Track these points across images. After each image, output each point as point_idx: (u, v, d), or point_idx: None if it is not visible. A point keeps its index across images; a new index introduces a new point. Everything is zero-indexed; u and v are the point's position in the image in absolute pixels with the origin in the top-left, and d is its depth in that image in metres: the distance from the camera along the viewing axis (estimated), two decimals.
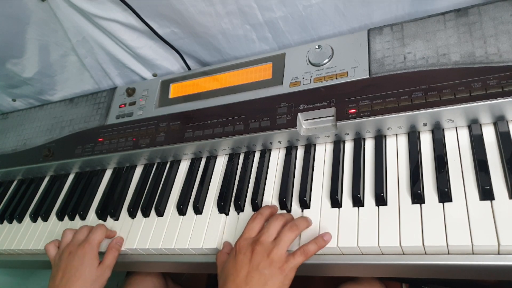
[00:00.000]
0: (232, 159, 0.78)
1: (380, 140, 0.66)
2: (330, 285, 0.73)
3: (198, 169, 0.80)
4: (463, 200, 0.54)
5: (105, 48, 0.94)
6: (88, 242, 0.70)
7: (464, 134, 0.61)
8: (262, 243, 0.57)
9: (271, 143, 0.74)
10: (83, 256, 0.68)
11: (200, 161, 0.82)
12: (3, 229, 0.93)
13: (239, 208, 0.70)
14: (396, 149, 0.65)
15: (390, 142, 0.66)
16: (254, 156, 0.77)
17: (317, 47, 0.74)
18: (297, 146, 0.73)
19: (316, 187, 0.66)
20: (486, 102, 0.56)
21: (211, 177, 0.78)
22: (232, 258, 0.59)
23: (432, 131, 0.63)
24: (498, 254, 0.50)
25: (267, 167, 0.73)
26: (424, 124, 0.63)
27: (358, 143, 0.67)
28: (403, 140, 0.65)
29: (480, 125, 0.61)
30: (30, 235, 0.87)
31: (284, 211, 0.66)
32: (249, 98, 0.76)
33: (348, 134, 0.68)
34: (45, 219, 0.89)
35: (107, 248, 0.72)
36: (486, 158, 0.57)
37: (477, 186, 0.55)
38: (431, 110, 0.59)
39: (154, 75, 0.99)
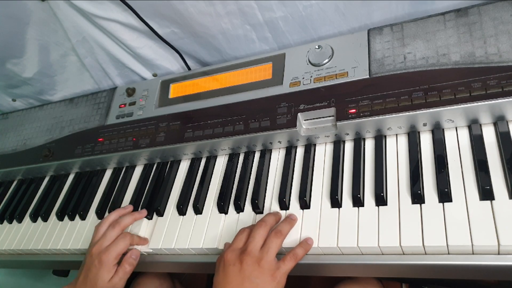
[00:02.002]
0: (232, 159, 0.78)
1: (380, 140, 0.66)
2: (329, 285, 0.73)
3: (198, 169, 0.80)
4: (463, 200, 0.54)
5: (105, 48, 0.94)
6: (108, 252, 0.67)
7: (464, 134, 0.61)
8: (250, 252, 0.57)
9: (271, 143, 0.74)
10: (100, 267, 0.66)
11: (200, 161, 0.82)
12: (3, 229, 0.93)
13: (239, 208, 0.70)
14: (396, 149, 0.65)
15: (390, 142, 0.66)
16: (254, 156, 0.77)
17: (317, 47, 0.74)
18: (297, 146, 0.73)
19: (316, 187, 0.66)
20: (486, 102, 0.56)
21: (211, 177, 0.78)
22: (222, 270, 0.58)
23: (432, 131, 0.63)
24: (498, 254, 0.50)
25: (267, 167, 0.73)
26: (424, 124, 0.63)
27: (358, 143, 0.67)
28: (403, 140, 0.65)
29: (480, 125, 0.61)
30: (30, 235, 0.87)
31: (283, 212, 0.66)
32: (249, 98, 0.76)
33: (348, 134, 0.68)
34: (45, 219, 0.89)
35: (120, 264, 0.68)
36: (486, 158, 0.57)
37: (477, 186, 0.55)
38: (431, 110, 0.59)
39: (154, 75, 0.99)
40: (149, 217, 0.77)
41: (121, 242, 0.69)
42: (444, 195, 0.55)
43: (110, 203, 0.84)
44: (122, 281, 0.68)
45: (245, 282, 0.55)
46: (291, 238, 0.61)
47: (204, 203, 0.74)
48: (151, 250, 0.72)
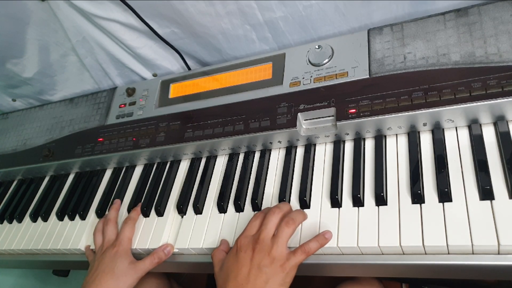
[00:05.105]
0: (232, 159, 0.78)
1: (380, 140, 0.66)
2: (330, 285, 0.73)
3: (198, 169, 0.80)
4: (463, 200, 0.54)
5: (105, 48, 0.94)
6: (119, 241, 0.71)
7: (464, 134, 0.61)
8: (262, 240, 0.58)
9: (271, 143, 0.74)
10: (114, 254, 0.70)
11: (200, 161, 0.82)
12: (3, 229, 0.93)
13: (239, 208, 0.70)
14: (396, 149, 0.65)
15: (390, 142, 0.66)
16: (254, 156, 0.77)
17: (317, 47, 0.74)
18: (297, 146, 0.73)
19: (316, 187, 0.66)
20: (486, 102, 0.56)
21: (211, 177, 0.78)
22: (233, 256, 0.59)
23: (432, 131, 0.63)
24: (498, 254, 0.50)
25: (267, 167, 0.73)
26: (424, 124, 0.63)
27: (358, 143, 0.67)
28: (403, 140, 0.65)
29: (480, 125, 0.61)
30: (30, 235, 0.87)
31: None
32: (249, 98, 0.76)
33: (348, 134, 0.68)
34: (45, 219, 0.89)
35: (151, 252, 0.71)
36: (486, 158, 0.57)
37: (477, 186, 0.55)
38: (431, 110, 0.59)
39: (154, 75, 0.99)
40: (149, 217, 0.77)
41: (126, 228, 0.73)
42: (444, 195, 0.55)
43: (110, 203, 0.84)
44: (145, 270, 0.69)
45: (254, 270, 0.55)
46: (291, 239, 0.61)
47: (204, 203, 0.74)
48: (151, 250, 0.72)
